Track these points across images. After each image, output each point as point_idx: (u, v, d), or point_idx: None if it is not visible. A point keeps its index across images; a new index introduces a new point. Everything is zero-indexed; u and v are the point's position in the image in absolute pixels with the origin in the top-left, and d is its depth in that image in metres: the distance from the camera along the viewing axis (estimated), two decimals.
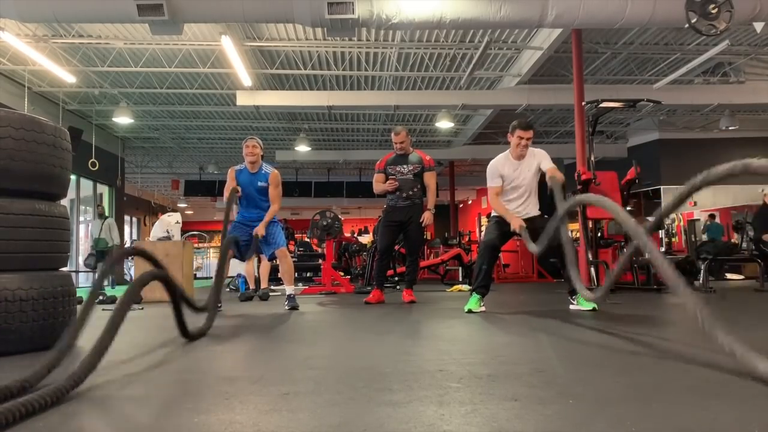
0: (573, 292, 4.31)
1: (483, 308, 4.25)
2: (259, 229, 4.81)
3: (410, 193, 5.21)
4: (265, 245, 4.96)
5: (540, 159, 4.38)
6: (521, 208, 4.38)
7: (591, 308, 4.12)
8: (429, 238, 19.85)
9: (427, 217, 5.19)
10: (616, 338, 2.74)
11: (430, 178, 5.29)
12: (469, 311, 4.15)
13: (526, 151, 4.33)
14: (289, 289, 4.93)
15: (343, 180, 18.87)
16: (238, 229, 4.92)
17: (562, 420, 1.31)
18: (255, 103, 10.79)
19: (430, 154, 5.63)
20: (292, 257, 11.17)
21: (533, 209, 4.41)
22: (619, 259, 3.01)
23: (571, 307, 4.28)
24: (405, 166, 5.23)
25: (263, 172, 4.95)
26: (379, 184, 5.32)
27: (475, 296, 4.27)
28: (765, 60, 10.17)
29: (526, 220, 4.27)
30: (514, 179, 4.36)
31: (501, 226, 4.33)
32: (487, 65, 10.09)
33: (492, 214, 4.53)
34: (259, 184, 4.94)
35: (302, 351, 2.58)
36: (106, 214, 11.92)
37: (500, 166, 4.38)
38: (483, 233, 4.75)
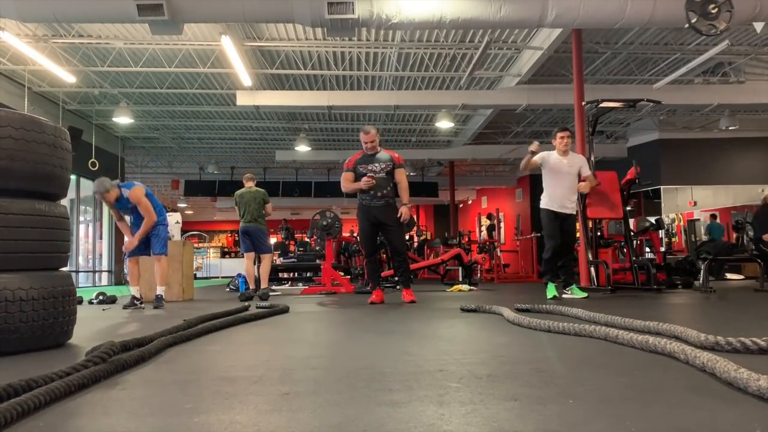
0: (566, 284, 5.53)
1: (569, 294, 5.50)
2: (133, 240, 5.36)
3: (384, 192, 5.22)
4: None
5: None
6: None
7: (584, 296, 5.21)
8: (429, 237, 19.88)
9: (404, 212, 5.25)
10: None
11: (401, 175, 5.34)
12: (554, 297, 5.34)
13: None
14: (159, 289, 5.50)
15: None
16: None
17: (562, 420, 1.30)
18: (255, 103, 10.80)
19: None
20: (291, 257, 11.27)
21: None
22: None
23: (565, 296, 5.40)
24: (376, 165, 5.24)
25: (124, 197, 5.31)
26: (350, 183, 5.29)
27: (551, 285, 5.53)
28: (765, 60, 10.18)
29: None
30: None
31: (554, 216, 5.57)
32: (487, 65, 10.09)
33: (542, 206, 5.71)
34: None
35: (302, 351, 2.58)
36: None
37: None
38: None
